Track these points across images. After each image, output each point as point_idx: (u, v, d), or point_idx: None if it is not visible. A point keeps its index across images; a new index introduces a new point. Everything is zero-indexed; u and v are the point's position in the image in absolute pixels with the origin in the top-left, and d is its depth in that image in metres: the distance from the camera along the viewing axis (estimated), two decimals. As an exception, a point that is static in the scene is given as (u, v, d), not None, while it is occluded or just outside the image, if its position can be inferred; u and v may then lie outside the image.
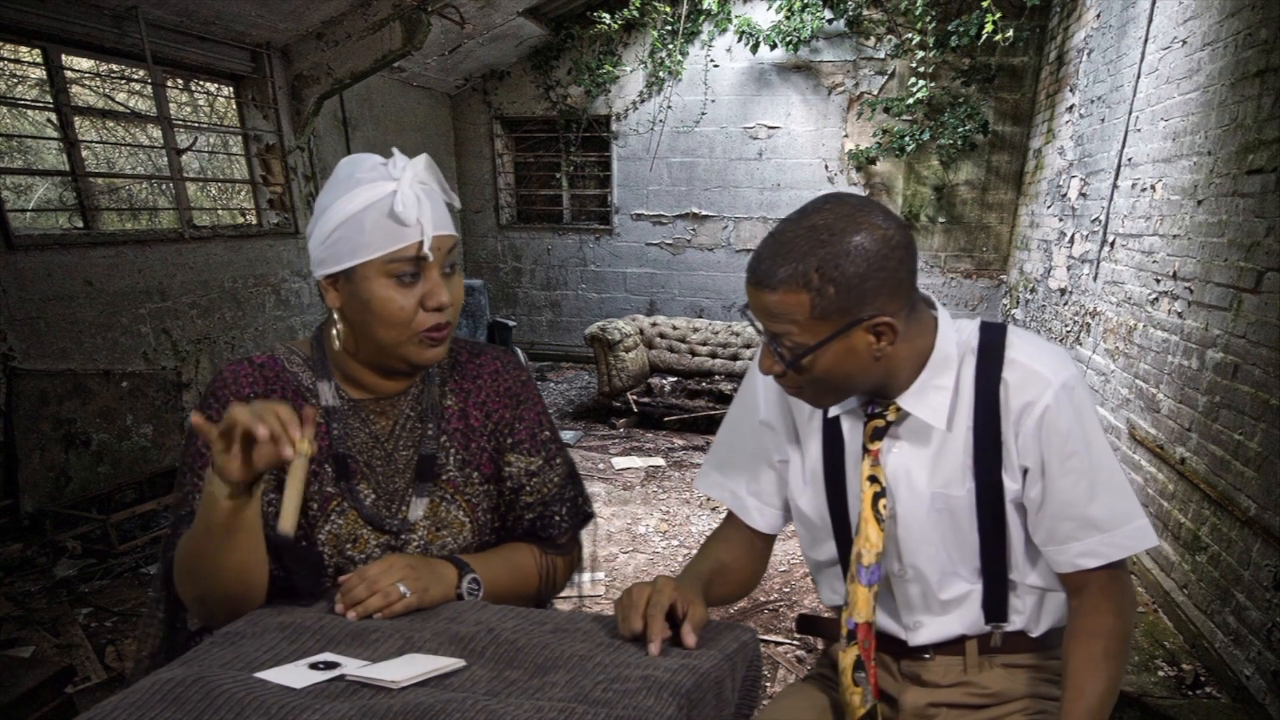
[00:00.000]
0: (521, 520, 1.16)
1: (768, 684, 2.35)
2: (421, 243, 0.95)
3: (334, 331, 1.04)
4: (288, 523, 0.84)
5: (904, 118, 5.75)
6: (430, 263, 0.98)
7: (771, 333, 0.92)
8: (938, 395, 0.97)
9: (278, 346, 1.10)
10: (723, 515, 1.24)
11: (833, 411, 1.04)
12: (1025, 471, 0.97)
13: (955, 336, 0.99)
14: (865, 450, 1.01)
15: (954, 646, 1.08)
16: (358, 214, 0.95)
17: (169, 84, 4.18)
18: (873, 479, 1.00)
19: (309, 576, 1.01)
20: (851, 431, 1.04)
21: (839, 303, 0.87)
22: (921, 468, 1.01)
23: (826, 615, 1.23)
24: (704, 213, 6.51)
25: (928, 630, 1.08)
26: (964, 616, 1.06)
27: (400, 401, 1.10)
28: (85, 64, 3.82)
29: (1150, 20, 3.41)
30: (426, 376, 1.12)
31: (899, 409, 0.99)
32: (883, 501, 1.00)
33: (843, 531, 1.08)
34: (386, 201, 0.94)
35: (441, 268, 1.00)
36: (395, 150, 1.01)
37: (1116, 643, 0.96)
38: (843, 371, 0.92)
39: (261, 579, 0.96)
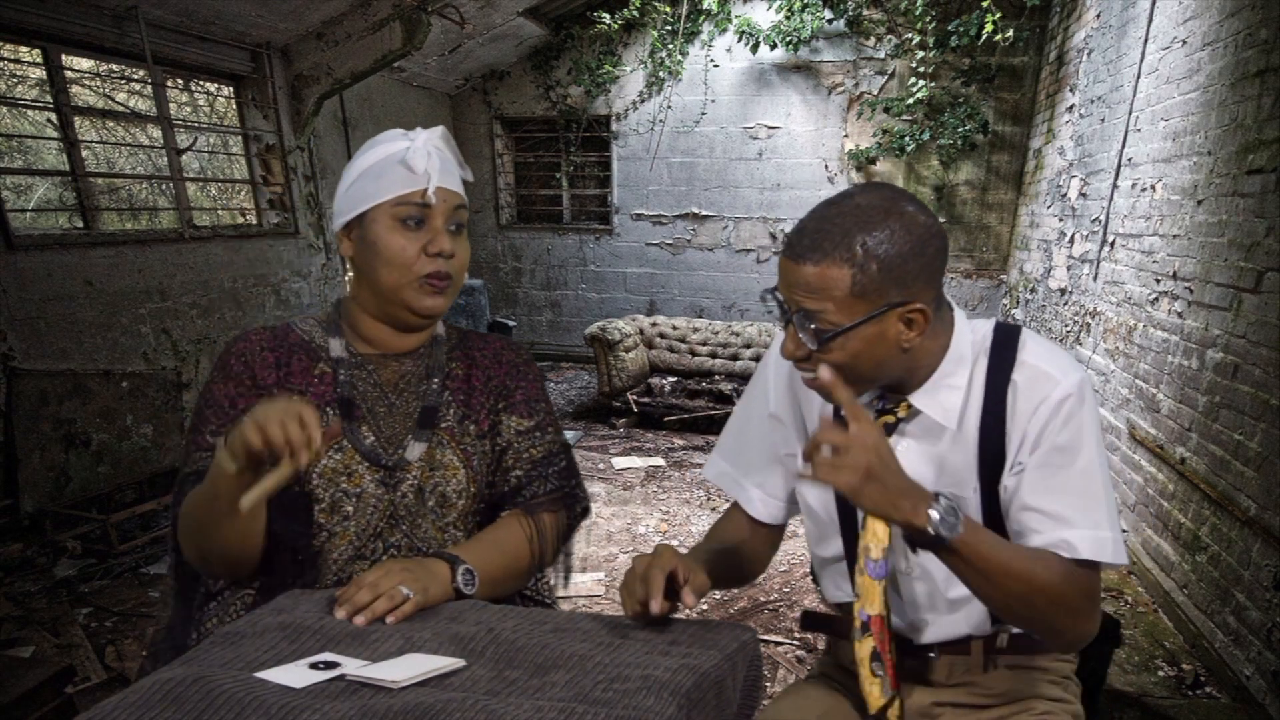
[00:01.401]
0: (508, 479, 1.18)
1: (768, 684, 2.35)
2: (426, 190, 1.05)
3: (347, 280, 1.13)
4: (248, 500, 0.86)
5: (904, 118, 5.75)
6: (434, 211, 1.06)
7: (805, 310, 0.90)
8: (950, 394, 0.97)
9: (296, 318, 1.19)
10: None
11: None
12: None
13: (970, 336, 0.99)
14: None
15: (960, 646, 1.08)
16: (374, 165, 1.06)
17: (169, 84, 4.18)
18: None
19: (298, 526, 1.06)
20: None
21: (879, 282, 0.87)
22: (929, 466, 1.00)
23: (829, 612, 1.23)
24: (704, 213, 6.51)
25: (934, 629, 1.08)
26: (970, 616, 1.06)
27: (408, 360, 1.17)
28: (85, 64, 3.82)
29: (1150, 20, 3.41)
30: (435, 343, 1.19)
31: (910, 406, 0.99)
32: None
33: (849, 527, 1.08)
34: (400, 154, 1.06)
35: (447, 223, 1.08)
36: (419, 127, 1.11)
37: (1045, 592, 0.88)
38: (870, 358, 0.91)
39: (258, 545, 1.02)
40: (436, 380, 1.16)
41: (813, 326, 0.90)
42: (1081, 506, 0.92)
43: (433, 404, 1.15)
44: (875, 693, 1.03)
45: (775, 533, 1.22)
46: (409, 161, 1.04)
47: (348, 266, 1.12)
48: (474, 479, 1.15)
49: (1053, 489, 0.92)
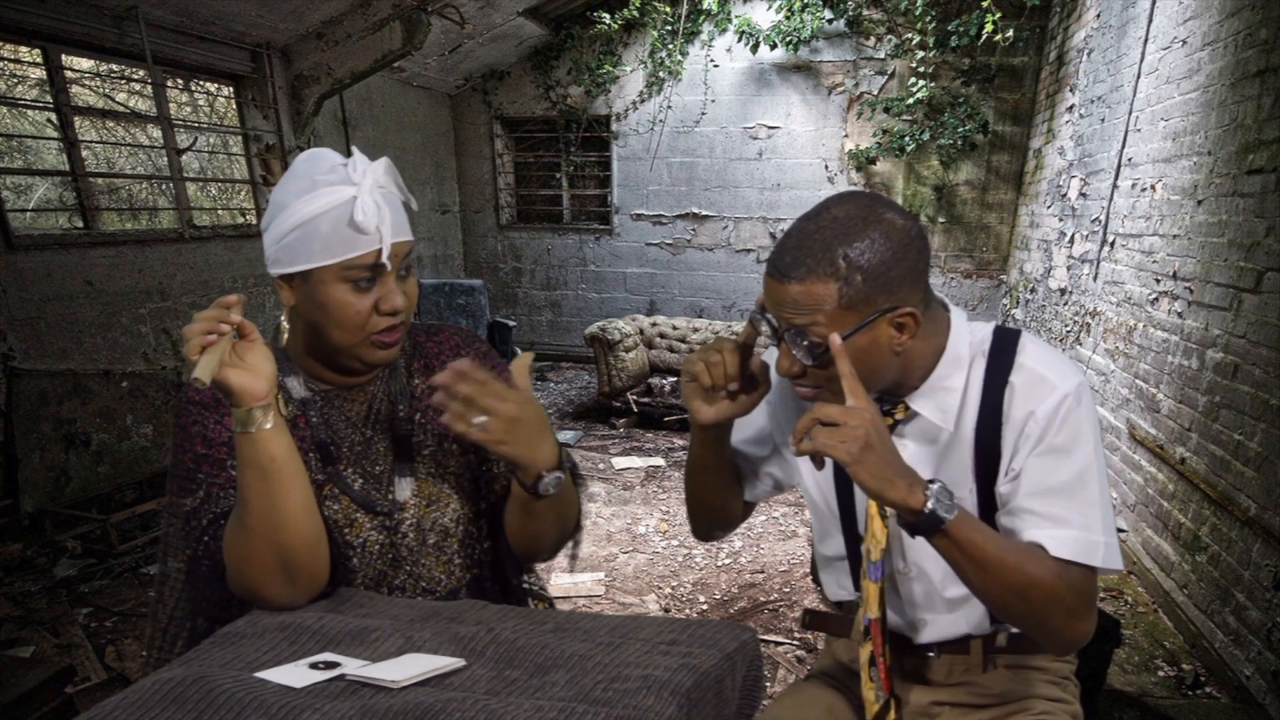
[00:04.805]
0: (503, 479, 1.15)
1: (768, 684, 2.35)
2: (380, 250, 0.95)
3: (283, 328, 1.05)
4: (203, 371, 0.83)
5: (904, 118, 5.75)
6: (387, 269, 0.98)
7: (795, 327, 0.90)
8: (947, 396, 0.97)
9: None
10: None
11: None
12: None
13: (969, 338, 0.99)
14: None
15: (958, 645, 1.09)
16: (316, 218, 0.94)
17: (169, 84, 4.18)
18: None
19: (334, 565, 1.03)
20: None
21: (866, 292, 0.87)
22: (926, 468, 1.01)
23: (830, 611, 1.23)
24: (704, 213, 6.51)
25: (933, 629, 1.08)
26: (969, 616, 1.06)
27: (369, 388, 1.11)
28: (85, 64, 3.82)
29: (1150, 20, 3.41)
30: (392, 364, 1.13)
31: (907, 408, 0.99)
32: None
33: (850, 526, 1.08)
34: (346, 208, 0.94)
35: (397, 271, 1.00)
36: (355, 150, 1.00)
37: (1039, 587, 0.87)
38: (865, 366, 0.91)
39: (322, 526, 0.98)
40: (403, 408, 1.10)
41: (805, 343, 0.90)
42: (1074, 508, 0.90)
43: (404, 434, 1.10)
44: (871, 697, 1.04)
45: (749, 510, 1.22)
46: (359, 223, 0.93)
47: (286, 315, 1.03)
48: (468, 503, 1.13)
49: (1047, 491, 0.92)
